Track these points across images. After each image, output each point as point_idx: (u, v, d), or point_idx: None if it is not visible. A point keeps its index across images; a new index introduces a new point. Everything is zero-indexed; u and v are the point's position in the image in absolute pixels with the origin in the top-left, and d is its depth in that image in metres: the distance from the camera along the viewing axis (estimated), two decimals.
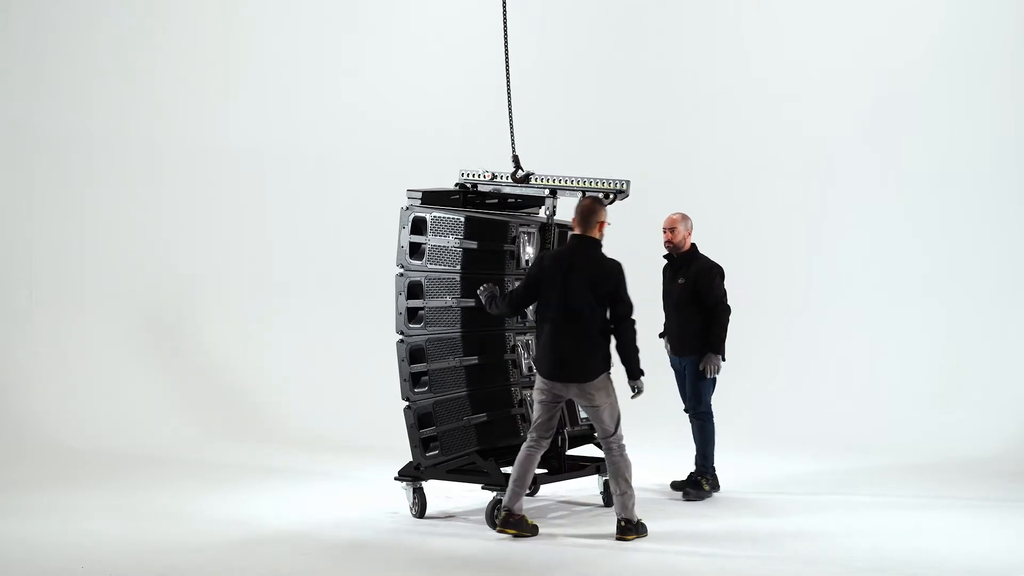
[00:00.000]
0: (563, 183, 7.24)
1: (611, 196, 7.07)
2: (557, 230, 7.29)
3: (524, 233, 7.14)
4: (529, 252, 7.16)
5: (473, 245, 6.96)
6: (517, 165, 7.32)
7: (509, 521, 6.43)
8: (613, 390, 6.47)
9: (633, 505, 6.45)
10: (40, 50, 10.43)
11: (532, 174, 7.29)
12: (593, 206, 6.59)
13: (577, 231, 6.58)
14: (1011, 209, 10.53)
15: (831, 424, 10.20)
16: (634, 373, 6.49)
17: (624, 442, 6.52)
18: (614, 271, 6.49)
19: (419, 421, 7.00)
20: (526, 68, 10.45)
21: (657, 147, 11.87)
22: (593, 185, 7.15)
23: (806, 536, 6.54)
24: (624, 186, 7.09)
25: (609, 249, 6.63)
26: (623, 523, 6.42)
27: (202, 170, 11.13)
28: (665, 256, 7.99)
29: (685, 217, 7.90)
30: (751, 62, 11.80)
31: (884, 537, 6.46)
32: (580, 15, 12.33)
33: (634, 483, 6.47)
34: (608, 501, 7.36)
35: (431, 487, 7.24)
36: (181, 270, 10.94)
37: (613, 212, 7.62)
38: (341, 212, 11.42)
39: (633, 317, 6.49)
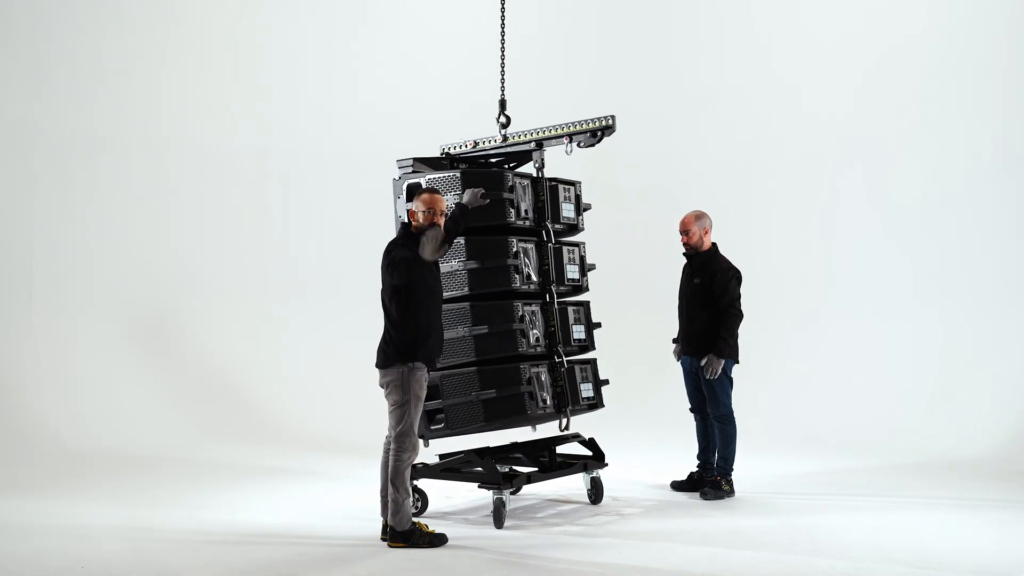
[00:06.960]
0: (547, 132, 7.11)
1: (599, 134, 6.99)
2: (548, 184, 7.19)
3: (519, 184, 7.00)
4: (528, 201, 7.04)
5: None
6: (503, 108, 7.32)
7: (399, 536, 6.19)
8: (409, 388, 6.09)
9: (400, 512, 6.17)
10: (40, 50, 10.43)
11: (509, 123, 7.23)
12: (431, 197, 6.19)
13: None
14: (1010, 210, 10.53)
15: (831, 424, 10.22)
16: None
17: (404, 446, 6.13)
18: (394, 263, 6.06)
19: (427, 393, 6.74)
20: (527, 69, 10.47)
21: (658, 144, 11.88)
22: (578, 128, 7.00)
23: (806, 536, 6.54)
24: (611, 120, 6.98)
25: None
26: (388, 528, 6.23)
27: (202, 170, 11.14)
28: (685, 255, 7.89)
29: (699, 216, 7.77)
30: (759, 56, 11.79)
31: (884, 537, 6.46)
32: (584, 8, 12.33)
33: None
34: (595, 498, 7.34)
35: (431, 486, 7.24)
36: (181, 270, 10.94)
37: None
38: (340, 211, 11.43)
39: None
